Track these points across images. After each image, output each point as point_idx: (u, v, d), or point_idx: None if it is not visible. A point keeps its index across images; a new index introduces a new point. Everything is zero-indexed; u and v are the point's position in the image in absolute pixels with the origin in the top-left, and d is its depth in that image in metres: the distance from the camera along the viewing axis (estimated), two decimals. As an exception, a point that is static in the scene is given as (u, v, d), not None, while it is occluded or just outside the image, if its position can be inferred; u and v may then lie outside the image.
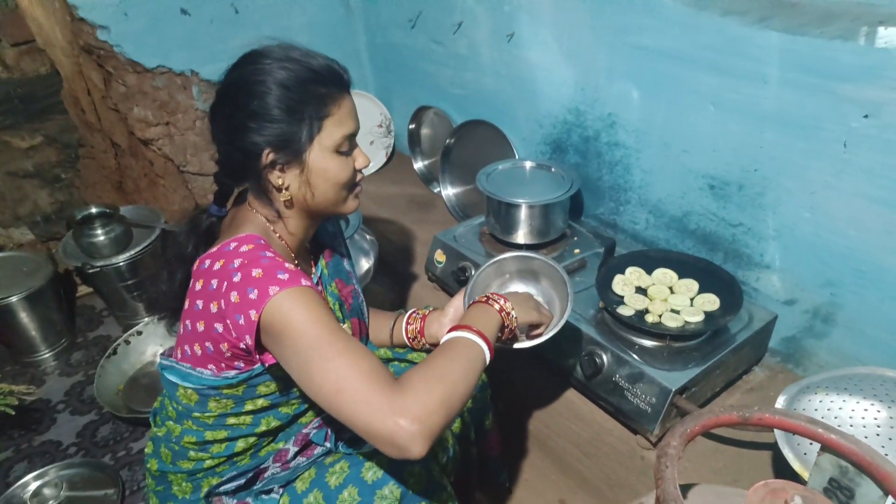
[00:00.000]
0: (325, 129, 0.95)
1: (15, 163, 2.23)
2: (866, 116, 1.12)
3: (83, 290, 2.34)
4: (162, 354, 1.05)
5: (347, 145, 0.98)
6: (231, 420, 1.01)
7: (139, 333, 1.98)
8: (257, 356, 0.91)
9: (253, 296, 0.85)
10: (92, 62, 2.06)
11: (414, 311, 1.27)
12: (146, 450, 1.13)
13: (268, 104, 0.92)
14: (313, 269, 1.14)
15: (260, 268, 0.87)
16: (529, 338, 1.16)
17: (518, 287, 1.29)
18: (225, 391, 0.97)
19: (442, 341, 0.96)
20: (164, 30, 2.04)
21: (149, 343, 2.00)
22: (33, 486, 1.58)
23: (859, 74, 1.11)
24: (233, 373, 0.95)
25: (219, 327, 0.89)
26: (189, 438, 1.02)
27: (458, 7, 1.92)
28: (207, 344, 0.93)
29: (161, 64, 2.08)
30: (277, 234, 1.02)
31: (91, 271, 2.01)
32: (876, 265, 1.21)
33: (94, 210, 2.06)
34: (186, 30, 2.07)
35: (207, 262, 0.92)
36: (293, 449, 1.06)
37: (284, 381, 0.99)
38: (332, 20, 2.39)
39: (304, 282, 0.87)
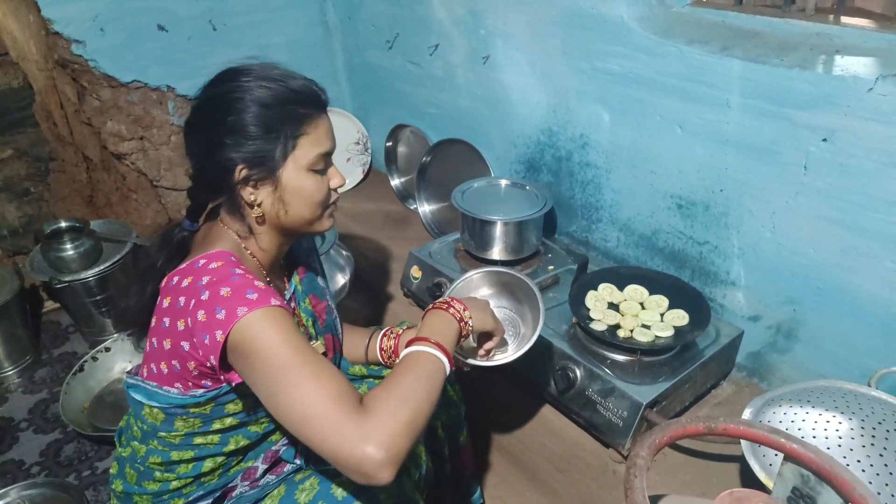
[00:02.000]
0: (301, 148, 0.96)
1: (-18, 175, 2.19)
2: (825, 140, 1.18)
3: (49, 305, 2.29)
4: (128, 373, 1.03)
5: (322, 164, 0.99)
6: (198, 440, 0.99)
7: (107, 350, 1.95)
8: (222, 376, 0.90)
9: (221, 316, 0.84)
10: (66, 76, 2.04)
11: (389, 329, 1.26)
12: (111, 470, 1.11)
13: (245, 120, 0.93)
14: (286, 286, 1.14)
15: (229, 286, 0.86)
16: (482, 355, 1.17)
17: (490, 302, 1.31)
18: (192, 410, 0.96)
19: (402, 355, 0.95)
20: (141, 45, 2.03)
21: (116, 360, 1.96)
22: (-7, 507, 1.53)
23: (817, 101, 1.17)
24: (200, 391, 0.94)
25: (185, 345, 0.89)
26: (154, 459, 1.00)
27: (435, 30, 1.97)
28: (174, 362, 0.92)
29: (137, 79, 2.07)
30: (249, 251, 1.01)
31: (59, 286, 1.97)
32: (833, 283, 1.26)
33: (63, 224, 2.02)
34: (163, 46, 2.07)
35: (176, 278, 0.92)
36: (262, 467, 1.05)
37: (253, 399, 0.96)
38: (311, 40, 2.41)
39: (273, 301, 0.86)
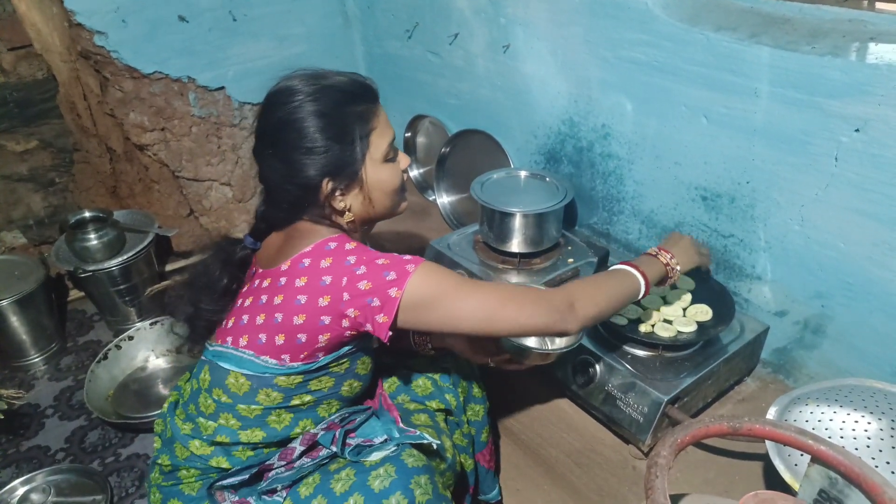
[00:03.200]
0: (373, 143, 1.02)
1: (9, 166, 2.22)
2: (857, 131, 1.14)
3: (74, 294, 2.33)
4: (208, 343, 1.07)
5: (392, 152, 1.05)
6: (272, 417, 1.03)
7: (130, 338, 1.97)
8: (388, 332, 0.95)
9: (391, 276, 0.94)
10: (89, 67, 2.07)
11: None
12: (155, 444, 1.14)
13: (315, 137, 0.97)
14: None
15: (383, 257, 0.96)
16: (507, 368, 1.25)
17: None
18: (280, 382, 1.00)
19: (611, 268, 1.17)
20: (163, 36, 2.04)
21: (140, 348, 1.99)
22: (20, 491, 1.56)
23: (849, 90, 1.13)
24: (298, 364, 1.00)
25: (326, 319, 0.95)
26: (222, 438, 1.03)
27: (455, 19, 1.94)
28: (300, 335, 0.97)
29: (158, 70, 2.08)
30: None
31: (83, 275, 2.00)
32: (865, 278, 1.22)
33: (87, 214, 2.05)
34: (184, 37, 2.08)
35: (306, 260, 0.98)
36: (300, 448, 1.06)
37: (336, 378, 1.05)
38: (330, 30, 2.40)
39: (425, 260, 0.98)
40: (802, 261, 1.32)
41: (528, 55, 1.76)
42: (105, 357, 1.91)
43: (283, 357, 1.00)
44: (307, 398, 1.05)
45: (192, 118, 2.20)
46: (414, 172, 2.42)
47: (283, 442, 1.07)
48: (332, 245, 0.99)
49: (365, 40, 2.44)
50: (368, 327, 0.96)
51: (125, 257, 2.02)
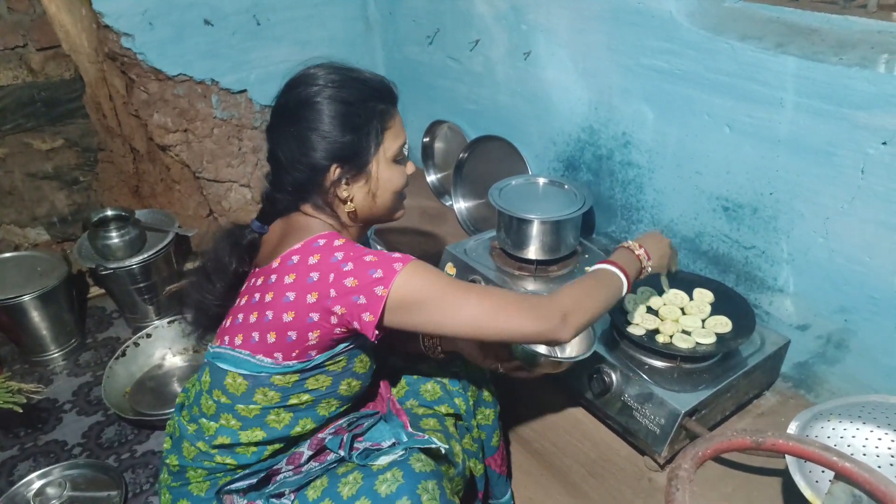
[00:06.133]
0: (386, 142, 1.03)
1: (35, 164, 2.26)
2: (885, 143, 1.12)
3: (95, 291, 2.36)
4: (210, 344, 1.08)
5: (402, 155, 1.06)
6: (271, 417, 1.03)
7: (148, 336, 2.00)
8: (375, 332, 0.94)
9: (378, 274, 0.93)
10: (115, 69, 2.10)
11: None
12: (165, 445, 1.15)
13: (334, 122, 0.98)
14: None
15: (371, 254, 0.95)
16: (516, 376, 1.24)
17: None
18: (276, 381, 1.00)
19: (591, 269, 1.16)
20: (188, 39, 2.07)
21: (157, 346, 2.01)
22: (37, 484, 1.58)
23: (877, 102, 1.11)
24: (293, 362, 0.99)
25: (314, 316, 0.95)
26: (223, 439, 1.04)
27: (476, 25, 1.95)
28: (290, 332, 0.97)
29: (182, 72, 2.11)
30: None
31: (104, 273, 2.03)
32: (890, 292, 1.20)
33: (109, 213, 2.08)
34: (209, 40, 2.11)
35: (295, 257, 0.98)
36: (307, 453, 1.07)
37: (332, 378, 1.04)
38: (352, 35, 2.42)
39: (414, 258, 0.96)
40: (826, 274, 1.29)
41: (549, 62, 1.76)
42: (123, 354, 1.93)
43: (276, 355, 0.99)
44: (305, 397, 1.04)
45: (214, 120, 2.23)
46: (431, 177, 2.42)
47: (285, 440, 1.07)
48: (322, 242, 0.98)
49: (386, 45, 2.46)
50: (356, 325, 0.95)
51: (145, 256, 2.04)
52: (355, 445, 1.06)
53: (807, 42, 1.23)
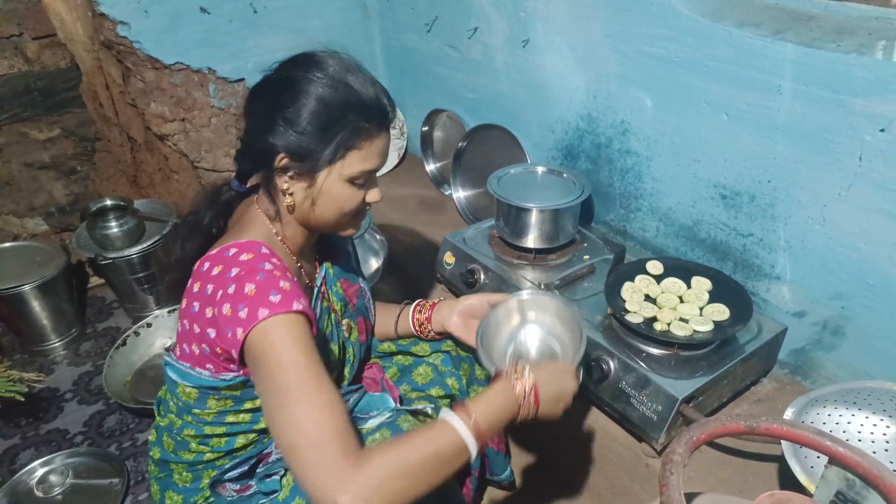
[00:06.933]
0: (348, 159, 0.95)
1: (32, 154, 2.26)
2: (882, 130, 1.12)
3: (94, 281, 2.36)
4: (167, 349, 1.07)
5: (364, 179, 0.98)
6: (230, 418, 1.02)
7: (148, 325, 2.00)
8: (241, 371, 0.92)
9: (243, 314, 0.85)
10: (111, 57, 2.09)
11: (421, 301, 1.31)
12: (150, 438, 1.15)
13: (302, 114, 0.92)
14: (318, 270, 1.15)
15: (254, 284, 0.87)
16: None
17: (533, 328, 1.23)
18: (224, 391, 0.98)
19: (440, 417, 0.89)
20: (184, 28, 2.06)
21: (157, 336, 2.02)
22: (39, 472, 1.59)
23: (875, 88, 1.11)
24: (230, 375, 0.96)
25: (211, 333, 0.90)
26: (189, 432, 1.04)
27: (474, 13, 1.94)
28: (203, 346, 0.94)
29: (179, 61, 2.10)
30: (279, 237, 1.03)
31: (103, 263, 2.03)
32: (886, 279, 1.20)
33: (108, 202, 2.08)
34: (205, 28, 2.10)
35: (207, 264, 0.93)
36: None
37: None
38: (349, 23, 2.40)
39: (295, 305, 0.86)
40: (823, 261, 1.30)
41: (548, 50, 1.75)
42: (124, 343, 1.93)
43: (208, 367, 0.96)
44: (260, 401, 0.96)
45: (211, 109, 2.22)
46: (430, 167, 2.42)
47: (251, 432, 1.04)
48: (232, 251, 0.92)
49: (384, 33, 2.44)
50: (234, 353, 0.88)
51: (144, 245, 2.05)
52: None
53: (804, 28, 1.23)
